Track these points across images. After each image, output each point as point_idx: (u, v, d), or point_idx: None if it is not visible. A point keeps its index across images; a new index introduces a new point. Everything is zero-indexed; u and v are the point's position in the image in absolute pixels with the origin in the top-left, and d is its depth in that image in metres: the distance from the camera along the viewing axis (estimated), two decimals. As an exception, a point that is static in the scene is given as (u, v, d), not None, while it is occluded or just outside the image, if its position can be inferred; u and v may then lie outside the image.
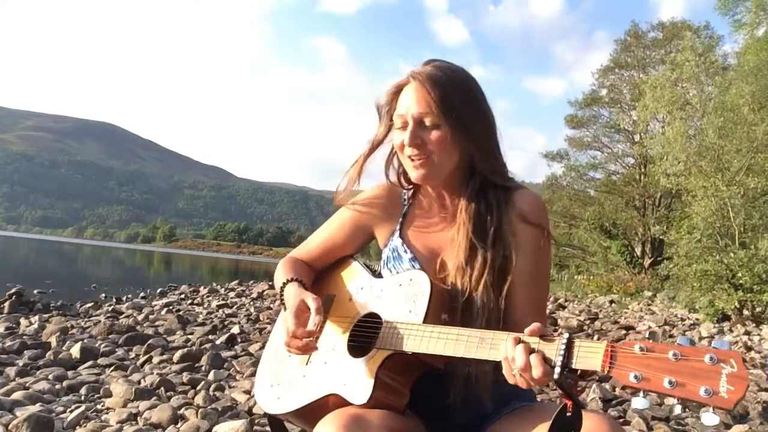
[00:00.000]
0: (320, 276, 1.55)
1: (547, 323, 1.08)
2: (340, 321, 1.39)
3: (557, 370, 0.98)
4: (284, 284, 1.43)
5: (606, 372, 0.93)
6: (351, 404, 1.22)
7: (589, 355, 0.96)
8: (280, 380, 1.41)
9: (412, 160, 1.34)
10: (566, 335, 1.00)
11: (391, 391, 1.23)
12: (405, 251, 1.41)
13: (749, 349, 7.60)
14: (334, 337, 1.36)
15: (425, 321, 1.21)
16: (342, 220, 1.52)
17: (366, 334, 1.31)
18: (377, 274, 1.44)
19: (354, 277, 1.47)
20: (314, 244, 1.56)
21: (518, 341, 1.04)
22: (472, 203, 1.33)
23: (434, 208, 1.44)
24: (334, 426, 1.11)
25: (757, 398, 4.19)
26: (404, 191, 1.49)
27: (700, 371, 0.86)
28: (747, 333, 9.46)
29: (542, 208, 1.36)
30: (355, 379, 1.24)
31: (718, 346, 0.88)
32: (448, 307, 1.28)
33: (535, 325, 1.04)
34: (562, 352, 0.98)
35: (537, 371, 0.99)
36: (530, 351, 1.01)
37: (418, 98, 1.30)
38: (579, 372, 0.98)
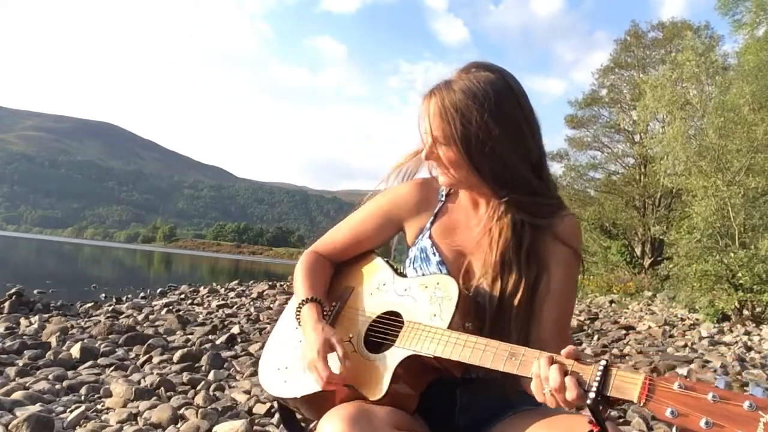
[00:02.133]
0: (340, 267, 1.52)
1: (569, 343, 1.08)
2: (357, 314, 1.37)
3: (591, 395, 0.96)
4: (302, 303, 1.38)
5: (642, 404, 0.92)
6: (361, 397, 1.21)
7: (626, 385, 0.95)
8: (288, 364, 1.39)
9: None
10: (603, 362, 0.99)
11: (405, 390, 1.23)
12: (434, 253, 1.39)
13: (749, 349, 7.60)
14: (351, 330, 1.35)
15: (449, 327, 1.20)
16: (372, 210, 1.49)
17: (385, 330, 1.29)
18: (400, 273, 1.42)
19: (376, 272, 1.45)
20: (341, 234, 1.51)
21: (552, 361, 1.03)
22: (507, 216, 1.30)
23: (468, 209, 1.42)
24: (340, 418, 1.11)
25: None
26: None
27: (738, 416, 0.87)
28: (747, 333, 9.46)
29: (578, 231, 1.35)
30: (371, 375, 1.23)
31: (756, 394, 0.90)
32: (473, 315, 1.27)
33: (570, 348, 1.03)
34: (598, 377, 0.97)
35: (571, 393, 0.98)
36: (565, 372, 1.00)
37: (427, 116, 1.30)
38: (610, 399, 0.97)
